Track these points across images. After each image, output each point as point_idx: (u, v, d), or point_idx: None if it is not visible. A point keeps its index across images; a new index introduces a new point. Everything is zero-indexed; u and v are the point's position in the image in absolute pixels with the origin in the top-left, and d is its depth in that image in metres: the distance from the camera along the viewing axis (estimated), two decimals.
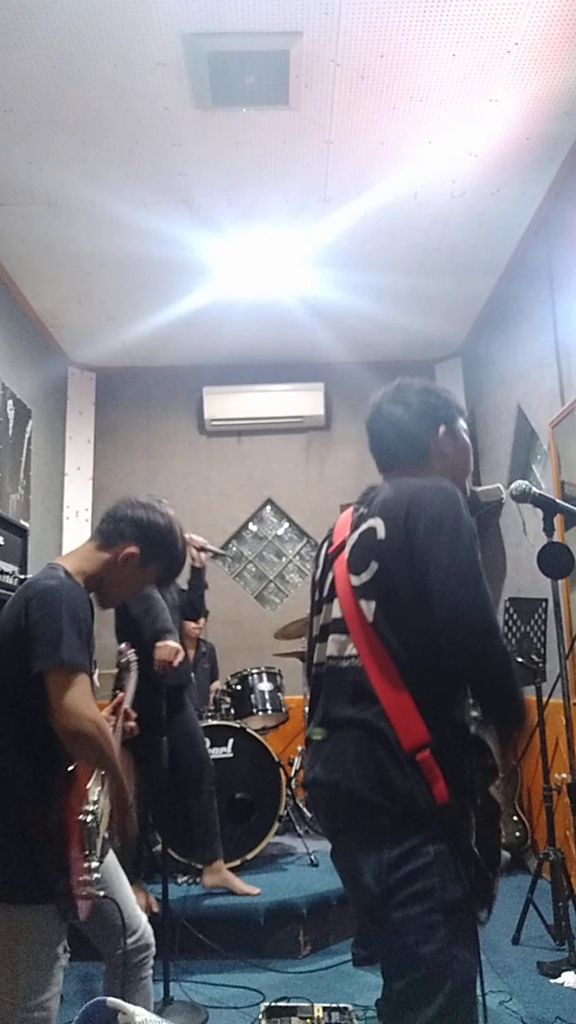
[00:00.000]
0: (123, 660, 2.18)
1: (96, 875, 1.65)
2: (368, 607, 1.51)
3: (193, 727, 3.59)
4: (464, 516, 1.47)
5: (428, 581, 1.41)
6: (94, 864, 1.65)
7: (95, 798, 1.69)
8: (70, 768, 1.66)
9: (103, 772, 1.72)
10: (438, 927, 1.36)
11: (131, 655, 2.20)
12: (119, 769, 1.72)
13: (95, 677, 1.88)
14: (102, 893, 1.67)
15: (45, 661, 1.63)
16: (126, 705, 2.02)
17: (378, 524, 1.53)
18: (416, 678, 1.44)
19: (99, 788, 1.74)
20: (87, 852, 1.65)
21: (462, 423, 1.72)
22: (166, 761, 2.95)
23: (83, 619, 1.73)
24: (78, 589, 1.78)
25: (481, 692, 1.46)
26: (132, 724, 2.02)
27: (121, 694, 2.05)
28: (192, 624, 4.58)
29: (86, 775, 1.71)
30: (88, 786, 1.70)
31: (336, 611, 1.60)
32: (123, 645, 2.25)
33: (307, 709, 4.74)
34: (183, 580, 3.76)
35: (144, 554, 1.90)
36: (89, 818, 1.65)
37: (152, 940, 1.95)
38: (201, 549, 3.74)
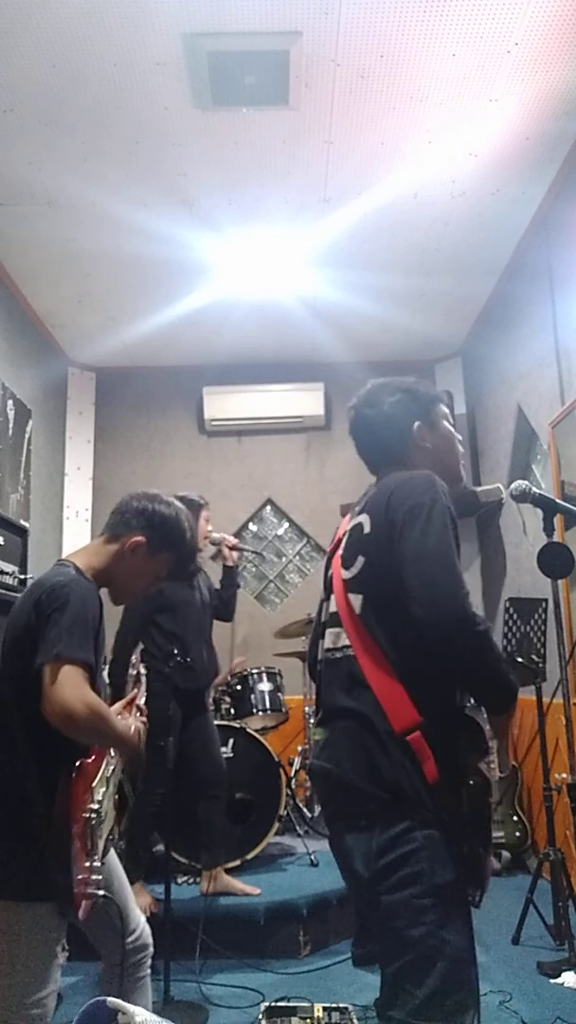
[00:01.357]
0: (133, 673, 2.17)
1: (97, 876, 1.65)
2: (356, 600, 1.56)
3: (212, 732, 3.59)
4: (440, 500, 1.49)
5: (402, 561, 1.44)
6: (96, 864, 1.65)
7: (99, 797, 1.69)
8: (76, 765, 1.66)
9: (108, 747, 1.70)
10: (427, 911, 1.39)
11: (141, 668, 2.18)
12: (123, 736, 1.70)
13: (105, 674, 1.88)
14: (101, 893, 1.66)
15: (44, 655, 1.63)
16: (139, 702, 1.99)
17: (365, 520, 1.59)
18: (405, 666, 1.49)
19: (104, 788, 1.74)
20: (89, 850, 1.64)
21: (442, 410, 1.75)
22: (171, 762, 2.95)
23: (91, 615, 1.72)
24: (87, 585, 1.78)
25: (461, 665, 1.47)
26: (143, 719, 1.99)
27: (134, 692, 2.04)
28: None
29: (92, 774, 1.70)
30: (93, 785, 1.69)
31: (332, 606, 1.65)
32: (134, 658, 2.23)
33: (307, 709, 4.77)
34: (216, 580, 3.79)
35: (151, 543, 1.90)
36: (92, 816, 1.64)
37: (150, 941, 1.95)
38: (233, 548, 3.74)
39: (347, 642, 1.57)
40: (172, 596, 3.40)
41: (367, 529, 1.57)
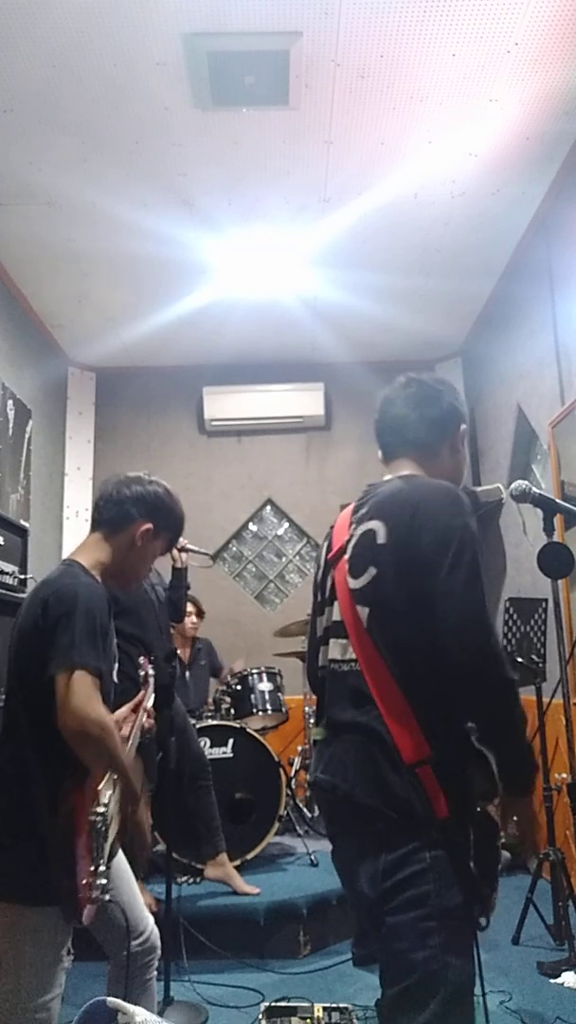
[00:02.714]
0: (142, 673, 2.17)
1: (103, 880, 1.63)
2: (363, 612, 1.50)
3: (185, 724, 3.58)
4: (470, 528, 1.46)
5: (435, 606, 1.40)
6: (101, 868, 1.63)
7: (106, 800, 1.68)
8: (81, 768, 1.65)
9: (113, 775, 1.70)
10: (432, 933, 1.36)
11: (149, 668, 2.19)
12: (128, 770, 1.70)
13: (114, 675, 1.87)
14: (107, 897, 1.66)
15: (57, 664, 1.63)
16: (147, 704, 2.00)
17: (378, 527, 1.51)
18: (413, 684, 1.44)
19: (110, 791, 1.73)
20: (94, 854, 1.63)
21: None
22: (175, 761, 2.95)
23: (100, 619, 1.72)
24: (96, 586, 1.77)
25: (481, 721, 1.43)
26: (151, 722, 2.01)
27: (142, 692, 2.04)
28: (189, 623, 4.58)
29: (98, 776, 1.70)
30: (99, 787, 1.68)
31: (336, 614, 1.60)
32: (142, 659, 2.24)
33: (307, 709, 4.77)
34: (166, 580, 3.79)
35: (156, 527, 1.92)
36: (98, 819, 1.63)
37: (158, 943, 1.95)
38: (182, 549, 3.73)
39: (354, 655, 1.51)
40: (127, 600, 3.37)
41: (381, 539, 1.49)
